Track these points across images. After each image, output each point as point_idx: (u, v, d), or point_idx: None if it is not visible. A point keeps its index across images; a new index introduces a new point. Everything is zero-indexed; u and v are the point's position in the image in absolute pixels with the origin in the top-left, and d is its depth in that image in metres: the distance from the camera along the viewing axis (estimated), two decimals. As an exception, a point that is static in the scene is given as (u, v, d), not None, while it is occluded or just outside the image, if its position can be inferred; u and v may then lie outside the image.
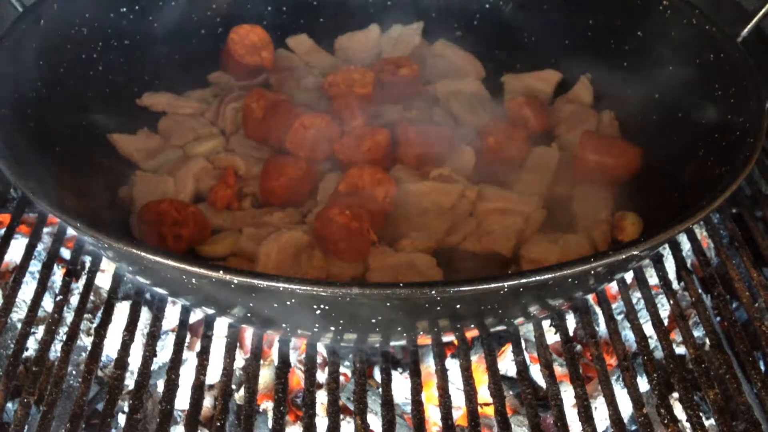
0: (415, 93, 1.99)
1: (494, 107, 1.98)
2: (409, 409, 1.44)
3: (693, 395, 1.45)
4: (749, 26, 1.71)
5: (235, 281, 1.14)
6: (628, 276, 1.71)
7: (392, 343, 1.51)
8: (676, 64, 1.78)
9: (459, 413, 1.55)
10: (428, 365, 1.58)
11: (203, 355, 1.49)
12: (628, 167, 1.75)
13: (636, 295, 1.69)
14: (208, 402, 1.59)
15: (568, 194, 1.76)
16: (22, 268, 1.65)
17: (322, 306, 1.23)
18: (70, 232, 1.73)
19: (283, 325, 1.39)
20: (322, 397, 1.48)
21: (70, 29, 1.78)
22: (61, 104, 1.69)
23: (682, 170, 1.64)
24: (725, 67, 1.64)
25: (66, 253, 1.78)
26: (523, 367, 1.50)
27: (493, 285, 1.15)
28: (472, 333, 1.53)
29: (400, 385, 1.58)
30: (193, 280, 1.26)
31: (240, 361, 1.63)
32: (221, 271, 1.15)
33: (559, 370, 1.60)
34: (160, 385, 1.59)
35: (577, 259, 1.19)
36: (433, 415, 1.56)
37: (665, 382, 1.51)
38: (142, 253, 1.18)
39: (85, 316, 1.65)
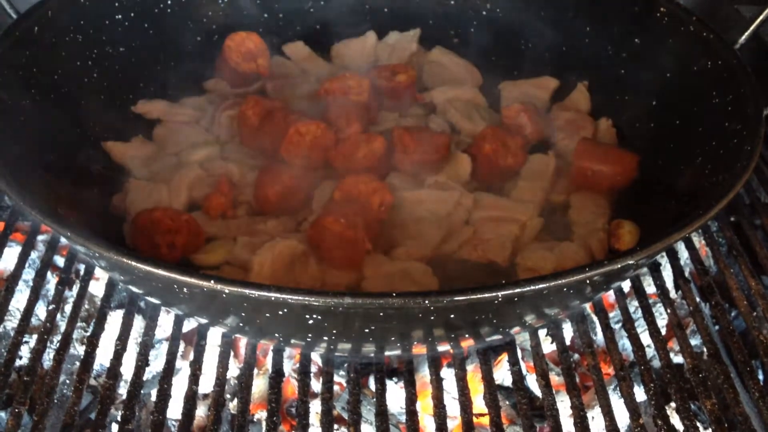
0: (412, 100, 1.99)
1: (491, 114, 1.97)
2: (403, 418, 1.43)
3: (690, 405, 1.44)
4: (747, 33, 1.71)
5: (227, 291, 1.13)
6: (626, 285, 1.70)
7: (387, 353, 1.50)
8: (673, 72, 1.78)
9: (454, 423, 1.54)
10: (423, 375, 1.57)
11: (196, 365, 1.49)
12: (625, 175, 1.74)
13: (633, 304, 1.68)
14: (201, 412, 1.58)
15: (565, 202, 1.76)
16: (15, 276, 1.65)
17: (314, 316, 1.22)
18: (64, 240, 1.72)
19: (276, 334, 1.38)
20: (316, 407, 1.47)
21: (65, 36, 1.77)
22: (55, 111, 1.68)
23: (680, 178, 1.63)
24: (723, 75, 1.64)
25: (60, 261, 1.77)
26: (519, 377, 1.49)
27: (487, 295, 1.14)
28: (467, 343, 1.51)
29: (395, 394, 1.57)
30: (185, 290, 1.25)
31: (234, 370, 1.62)
32: (212, 281, 1.14)
33: (556, 379, 1.59)
34: (153, 395, 1.58)
35: (573, 268, 1.18)
36: (428, 425, 1.55)
37: (662, 391, 1.50)
38: (133, 263, 1.17)
39: (78, 324, 1.64)
